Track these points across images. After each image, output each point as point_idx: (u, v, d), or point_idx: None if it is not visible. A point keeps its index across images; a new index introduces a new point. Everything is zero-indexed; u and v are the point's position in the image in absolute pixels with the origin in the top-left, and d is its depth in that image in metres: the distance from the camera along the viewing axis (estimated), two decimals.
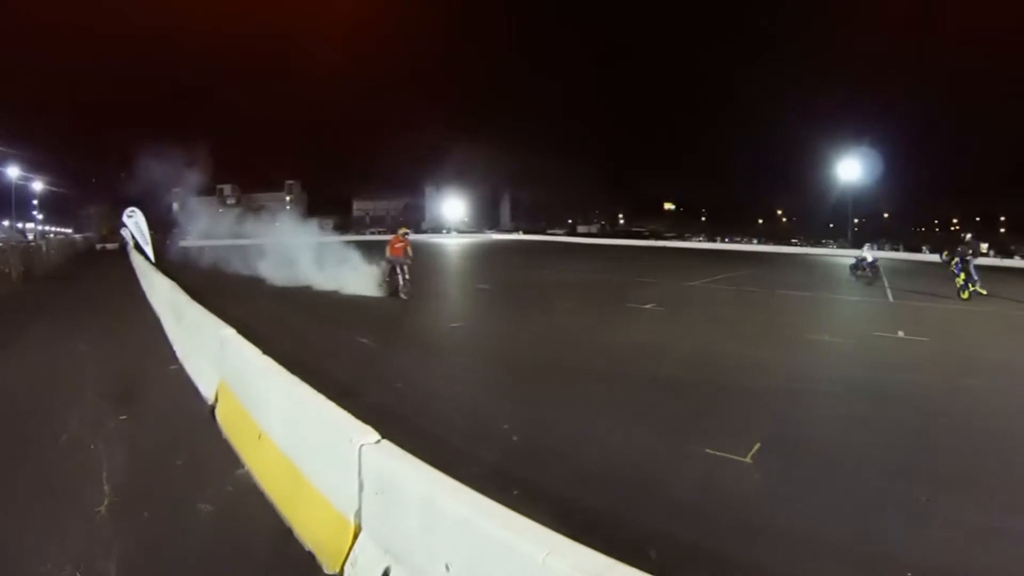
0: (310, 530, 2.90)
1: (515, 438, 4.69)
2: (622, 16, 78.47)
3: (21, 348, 8.08)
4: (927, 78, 53.53)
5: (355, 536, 2.56)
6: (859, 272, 18.25)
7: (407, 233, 13.47)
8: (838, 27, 59.63)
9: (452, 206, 72.61)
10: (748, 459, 4.32)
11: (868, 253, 18.43)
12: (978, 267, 13.77)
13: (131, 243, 22.15)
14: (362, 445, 2.55)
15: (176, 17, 64.13)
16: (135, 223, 18.56)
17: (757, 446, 4.53)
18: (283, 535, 3.09)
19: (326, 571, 2.69)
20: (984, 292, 13.52)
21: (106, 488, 3.73)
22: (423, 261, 15.30)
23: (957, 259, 13.58)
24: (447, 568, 2.00)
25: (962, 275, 13.50)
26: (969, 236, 14.12)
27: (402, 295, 12.54)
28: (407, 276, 12.72)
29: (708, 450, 4.46)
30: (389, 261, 13.05)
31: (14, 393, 6.00)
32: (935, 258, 17.96)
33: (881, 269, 18.81)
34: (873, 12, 58.07)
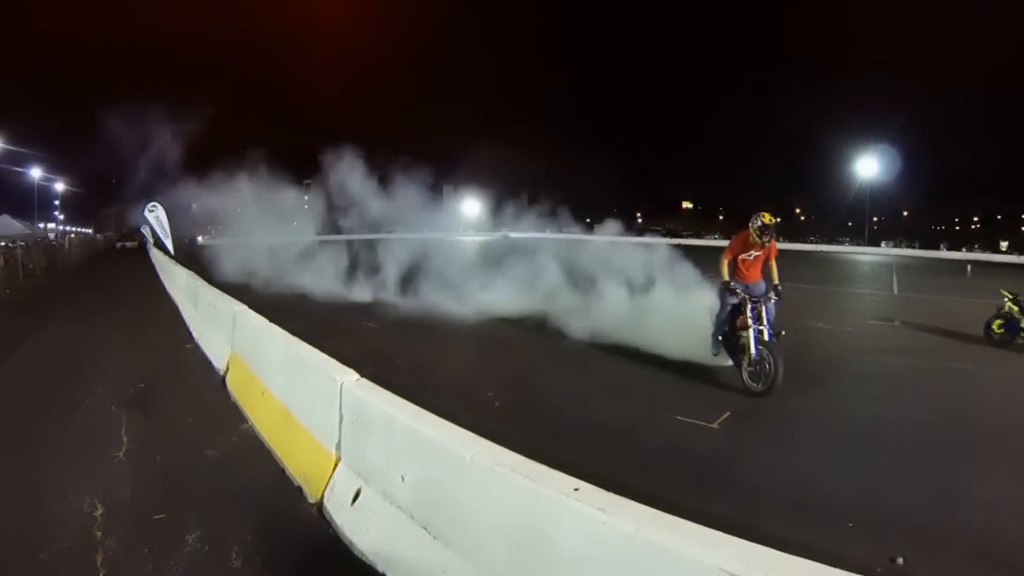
0: (299, 466, 3.27)
1: (497, 404, 5.05)
2: (643, 18, 78.43)
3: (46, 334, 8.63)
4: (950, 76, 52.66)
5: (335, 466, 2.92)
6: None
7: (769, 229, 5.63)
8: (861, 25, 58.92)
9: (469, 206, 72.63)
10: (715, 425, 4.59)
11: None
12: None
13: (151, 241, 22.88)
14: (343, 382, 2.92)
15: (196, 18, 65.69)
16: (156, 217, 19.11)
17: (726, 415, 4.79)
18: (278, 473, 3.49)
19: (310, 500, 3.06)
20: None
21: (124, 439, 4.17)
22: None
23: None
24: (402, 479, 2.36)
25: None
26: None
27: (746, 379, 5.42)
28: (771, 330, 5.51)
29: (678, 417, 4.74)
30: (732, 291, 5.68)
31: (41, 369, 6.50)
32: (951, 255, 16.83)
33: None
34: (895, 10, 57.20)
